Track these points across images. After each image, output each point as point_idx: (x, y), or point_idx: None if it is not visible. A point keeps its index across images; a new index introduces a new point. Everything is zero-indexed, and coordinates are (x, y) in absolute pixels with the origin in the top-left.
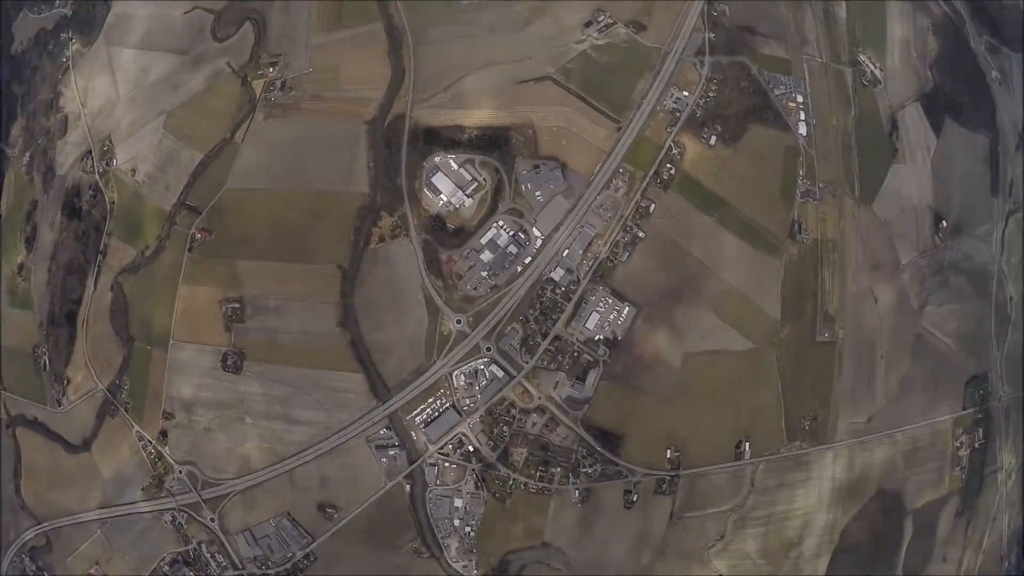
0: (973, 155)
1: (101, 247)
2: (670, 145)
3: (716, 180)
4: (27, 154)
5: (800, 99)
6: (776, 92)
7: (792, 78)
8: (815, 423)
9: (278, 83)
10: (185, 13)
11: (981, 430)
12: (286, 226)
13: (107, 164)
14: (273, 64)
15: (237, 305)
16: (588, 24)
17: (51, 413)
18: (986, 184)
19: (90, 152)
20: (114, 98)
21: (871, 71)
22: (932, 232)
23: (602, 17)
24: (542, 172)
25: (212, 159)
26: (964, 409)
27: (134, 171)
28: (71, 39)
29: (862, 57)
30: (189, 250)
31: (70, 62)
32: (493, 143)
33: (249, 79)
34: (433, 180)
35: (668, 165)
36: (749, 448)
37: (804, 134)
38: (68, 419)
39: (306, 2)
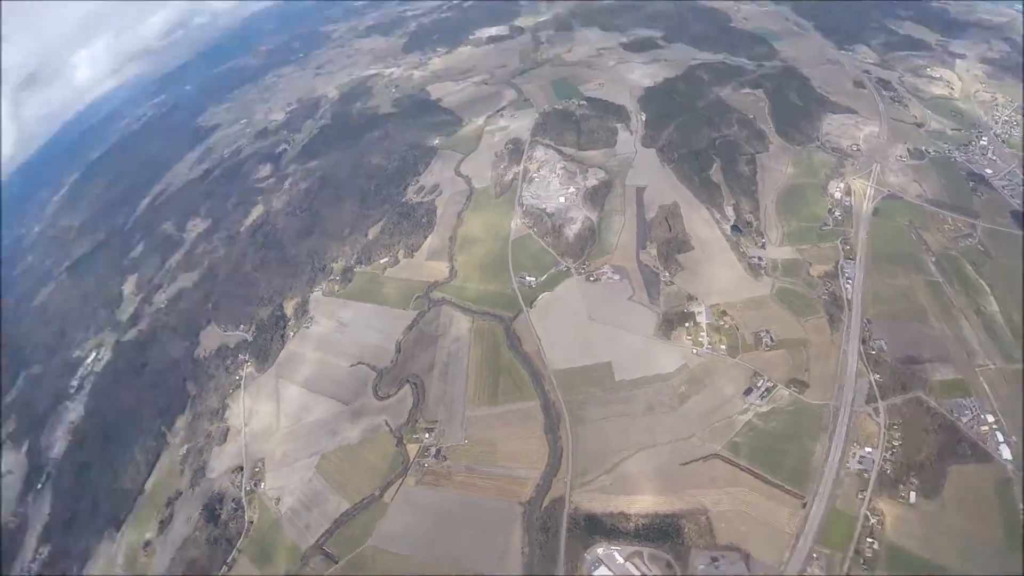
0: None
1: (229, 560)
2: (866, 514)
3: (928, 544)
4: (185, 447)
5: (991, 419)
6: (963, 419)
7: (974, 397)
8: None
9: (433, 449)
10: (351, 365)
11: None
12: None
13: (255, 485)
14: (429, 430)
15: None
16: (748, 391)
17: None
18: None
19: (242, 468)
20: (274, 426)
21: None
22: None
23: (761, 382)
24: (722, 565)
25: (358, 511)
26: None
27: (279, 500)
28: (247, 361)
29: None
30: None
31: (242, 382)
32: (662, 533)
33: (404, 441)
34: (596, 574)
35: (869, 539)
36: None
37: (1009, 457)
38: None
39: (463, 373)
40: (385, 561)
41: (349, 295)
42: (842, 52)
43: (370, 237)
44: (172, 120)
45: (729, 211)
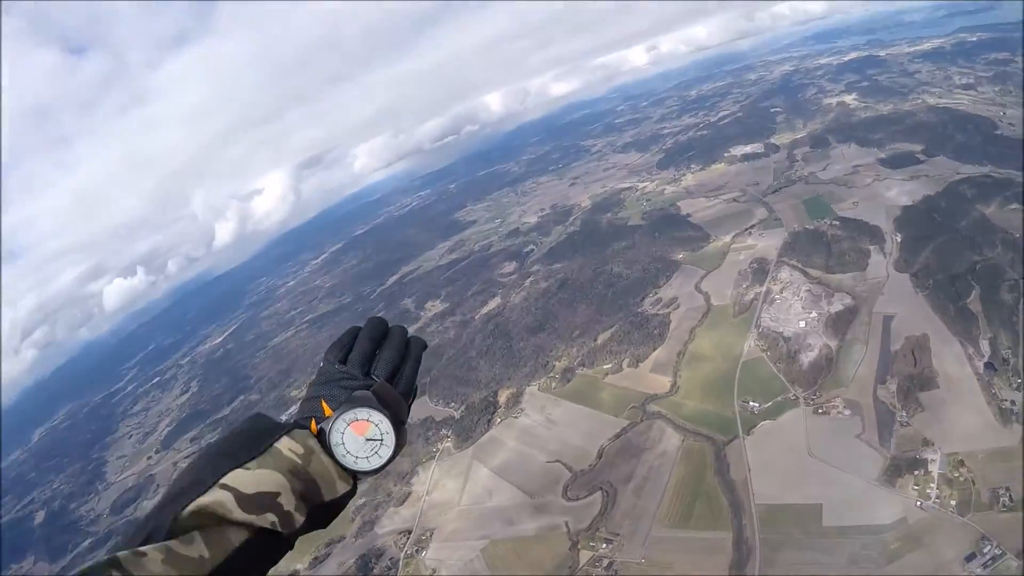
0: None
1: None
2: None
3: None
4: (363, 499)
5: None
6: None
7: None
8: None
9: (605, 561)
10: (548, 462)
11: None
12: None
13: (416, 551)
14: (608, 541)
15: None
16: (970, 557)
17: None
18: None
19: (410, 532)
20: (455, 502)
21: None
22: None
23: (988, 548)
24: None
25: None
26: None
27: (435, 571)
28: (448, 436)
29: None
30: None
31: (438, 454)
32: None
33: (579, 546)
34: None
35: None
36: None
37: None
38: None
39: (660, 490)
40: None
41: (564, 394)
42: None
43: (598, 342)
44: (433, 211)
45: (984, 345)
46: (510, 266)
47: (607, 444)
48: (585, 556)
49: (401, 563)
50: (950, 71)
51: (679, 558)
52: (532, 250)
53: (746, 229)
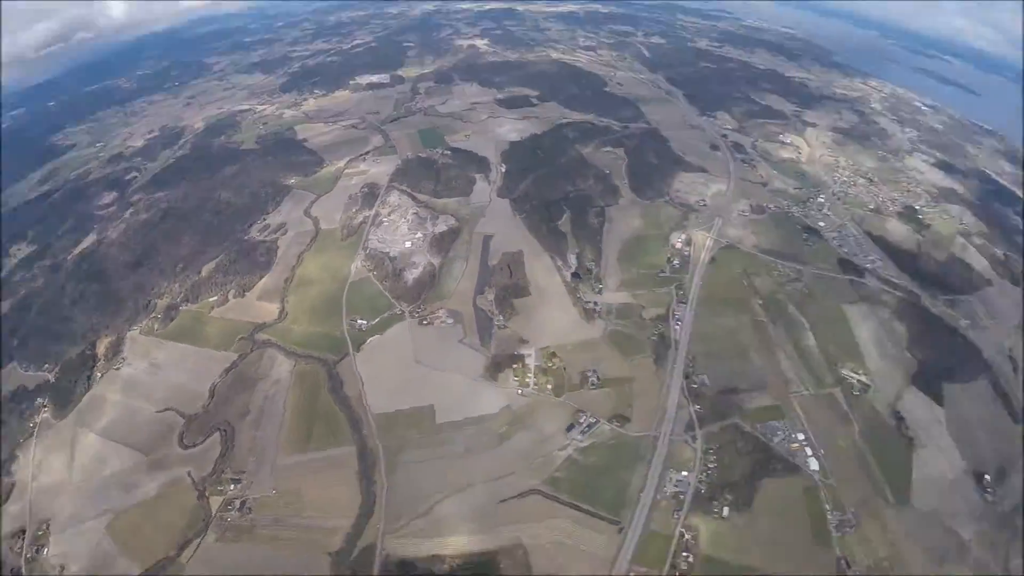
0: (981, 402)
1: None
2: (681, 532)
3: (741, 552)
4: None
5: (801, 437)
6: (776, 440)
7: (786, 420)
8: None
9: (237, 502)
10: (158, 411)
11: None
12: None
13: (37, 551)
14: (236, 480)
15: None
16: (570, 428)
17: None
18: (1006, 418)
19: (24, 532)
20: (65, 481)
21: (857, 380)
22: (980, 492)
23: (584, 419)
24: None
25: None
26: None
27: (63, 568)
28: (44, 406)
29: (845, 371)
30: None
31: (36, 429)
32: (479, 572)
33: (207, 494)
34: None
35: (684, 553)
36: None
37: (816, 469)
38: None
39: (278, 418)
40: None
41: (168, 335)
42: (704, 118)
43: (203, 275)
44: (25, 135)
45: (572, 259)
46: (109, 196)
47: (218, 381)
48: (216, 502)
49: (24, 572)
50: (577, 33)
51: (308, 480)
52: (135, 177)
53: (361, 155)
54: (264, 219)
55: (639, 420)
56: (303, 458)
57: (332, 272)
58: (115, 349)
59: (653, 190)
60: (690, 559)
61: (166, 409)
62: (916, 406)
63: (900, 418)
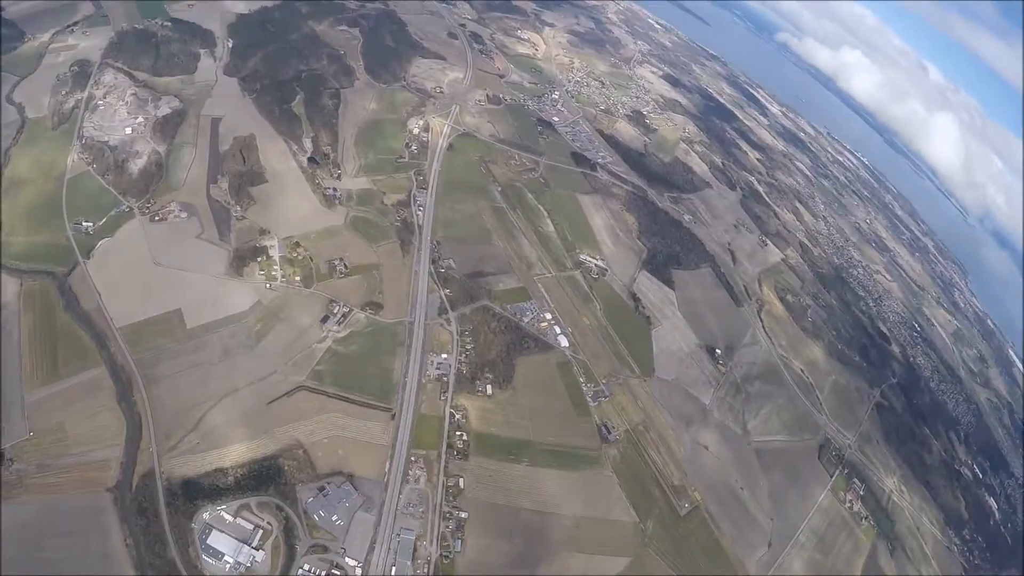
0: (706, 286)
1: None
2: (451, 412)
3: (510, 426)
4: None
5: (549, 316)
6: (526, 319)
7: (534, 301)
8: None
9: None
10: None
11: (855, 479)
12: None
13: None
14: None
15: None
16: (325, 319)
17: None
18: (728, 301)
19: None
20: None
21: (595, 264)
22: (713, 364)
23: (337, 308)
24: (330, 493)
25: None
26: (831, 476)
27: None
28: None
29: (583, 256)
30: None
31: None
32: (265, 478)
33: None
34: (209, 542)
35: (458, 432)
36: None
37: (567, 345)
38: None
39: (14, 351)
40: None
41: None
42: (444, 5)
43: None
44: None
45: (308, 143)
46: None
47: None
48: None
49: None
50: None
51: (66, 412)
52: None
53: (68, 27)
54: None
55: (392, 307)
56: (53, 389)
57: (46, 168)
58: None
59: (389, 74)
60: (464, 438)
61: None
62: (649, 289)
63: (636, 299)
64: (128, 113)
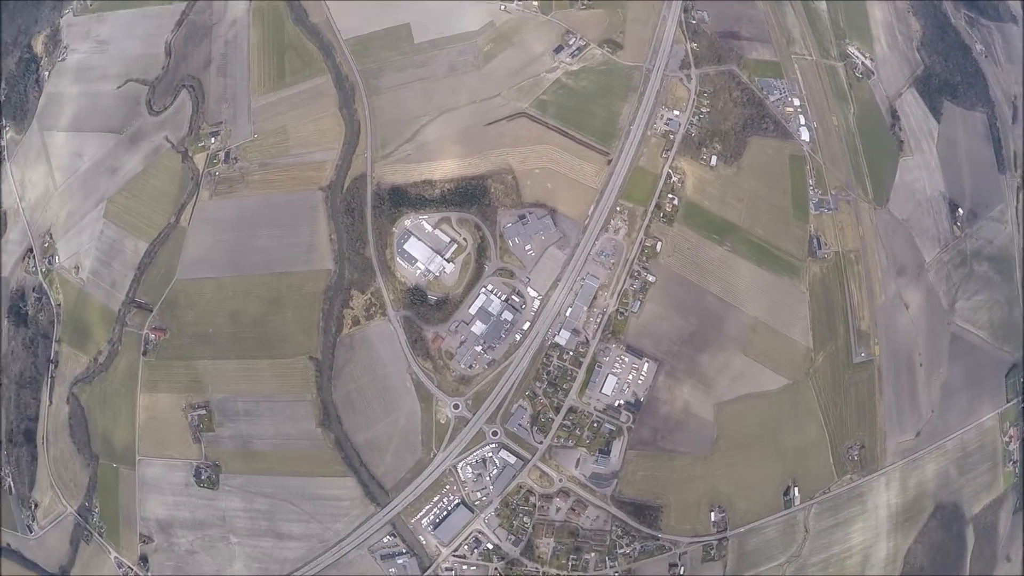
0: (975, 134)
1: (52, 356)
2: (668, 172)
3: (723, 204)
4: None
5: (797, 102)
6: (771, 98)
7: (785, 81)
8: (863, 451)
9: (221, 154)
10: (118, 87)
11: None
12: (246, 317)
13: (50, 262)
14: (215, 133)
15: (204, 411)
16: (559, 50)
17: (23, 539)
18: (992, 162)
19: (31, 250)
20: (51, 188)
21: (862, 62)
22: (950, 223)
23: (573, 40)
24: (529, 222)
25: (158, 247)
26: (1008, 402)
27: (78, 268)
28: (4, 127)
29: (851, 49)
30: (144, 353)
31: (4, 152)
32: (470, 196)
33: (191, 153)
34: (406, 247)
35: (670, 195)
36: (798, 492)
37: (807, 139)
38: (41, 546)
39: (243, 60)
40: (198, 291)
41: (103, 6)
42: None
43: None
44: None
45: None
46: None
47: (171, 38)
48: (201, 159)
49: (47, 286)
50: None
51: (289, 117)
52: None
53: None
54: None
55: (631, 49)
56: (279, 96)
57: None
58: (53, 41)
59: None
60: (675, 202)
61: (126, 82)
62: (913, 112)
63: (896, 117)
64: None
